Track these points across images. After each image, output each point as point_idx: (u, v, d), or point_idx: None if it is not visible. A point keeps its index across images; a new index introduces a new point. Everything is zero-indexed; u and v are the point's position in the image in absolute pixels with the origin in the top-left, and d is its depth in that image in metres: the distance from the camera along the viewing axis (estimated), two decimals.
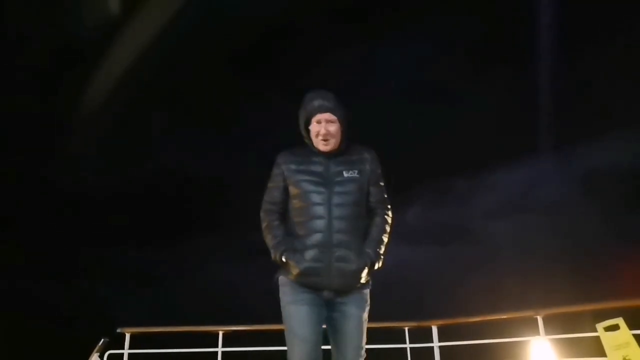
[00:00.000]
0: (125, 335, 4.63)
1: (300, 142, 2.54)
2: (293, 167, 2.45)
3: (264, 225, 2.47)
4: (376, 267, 2.39)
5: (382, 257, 2.41)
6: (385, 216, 2.50)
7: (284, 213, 2.47)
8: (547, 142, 14.00)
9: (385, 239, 2.45)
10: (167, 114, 16.39)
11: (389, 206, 2.54)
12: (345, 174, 2.40)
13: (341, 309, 2.33)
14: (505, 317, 4.38)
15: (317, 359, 2.25)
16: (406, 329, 5.00)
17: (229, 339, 4.78)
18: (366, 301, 2.39)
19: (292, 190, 2.43)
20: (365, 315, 2.38)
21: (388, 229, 2.49)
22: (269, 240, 2.42)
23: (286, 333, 2.30)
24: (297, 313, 2.29)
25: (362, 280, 2.34)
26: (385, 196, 2.54)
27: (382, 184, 2.54)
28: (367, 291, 2.42)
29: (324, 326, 2.36)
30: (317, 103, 2.42)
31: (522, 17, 12.92)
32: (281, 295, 2.38)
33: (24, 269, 16.16)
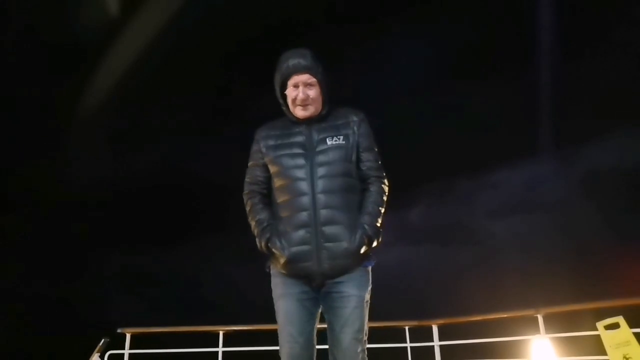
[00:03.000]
0: (125, 335, 4.63)
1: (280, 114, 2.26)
2: (271, 142, 2.20)
3: (247, 209, 2.26)
4: (374, 244, 2.13)
5: (380, 231, 2.15)
6: (382, 185, 2.22)
7: (267, 194, 2.24)
8: (549, 142, 14.00)
9: (382, 210, 2.18)
10: (171, 113, 16.40)
11: (384, 173, 2.25)
12: (328, 142, 2.13)
13: (338, 289, 2.08)
14: (505, 316, 4.37)
15: (310, 358, 2.09)
16: (407, 328, 4.99)
17: (230, 339, 4.78)
18: (367, 280, 2.14)
19: (272, 168, 2.19)
20: (367, 296, 2.12)
21: (385, 198, 2.21)
22: (253, 226, 2.20)
23: (278, 328, 2.14)
24: (285, 309, 2.10)
25: (358, 259, 2.09)
26: (380, 162, 2.25)
27: (375, 149, 2.25)
28: (368, 269, 2.16)
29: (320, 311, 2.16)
30: (292, 62, 2.12)
31: (522, 17, 12.92)
32: (272, 286, 2.19)
33: (24, 269, 16.18)
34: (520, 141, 14.33)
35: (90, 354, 4.17)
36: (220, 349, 4.68)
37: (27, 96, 13.98)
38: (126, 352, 4.57)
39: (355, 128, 2.19)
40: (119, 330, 4.63)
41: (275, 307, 2.16)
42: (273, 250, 2.12)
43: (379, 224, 2.15)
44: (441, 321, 4.83)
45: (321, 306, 2.15)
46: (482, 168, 15.13)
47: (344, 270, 2.08)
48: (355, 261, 2.10)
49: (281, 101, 2.21)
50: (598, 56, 13.01)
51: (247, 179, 2.30)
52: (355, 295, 2.07)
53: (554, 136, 13.84)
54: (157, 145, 17.06)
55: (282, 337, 2.11)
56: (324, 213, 2.07)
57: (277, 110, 2.26)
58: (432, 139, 15.21)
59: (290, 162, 2.13)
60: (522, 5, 12.71)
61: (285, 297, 2.12)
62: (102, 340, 4.28)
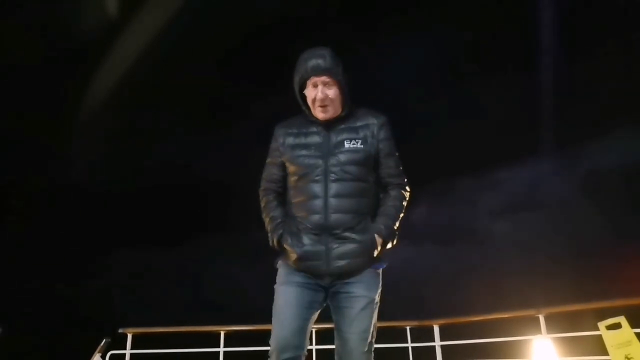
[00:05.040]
0: (127, 335, 4.63)
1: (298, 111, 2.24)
2: (290, 141, 2.19)
3: (262, 205, 2.28)
4: (389, 245, 2.14)
5: (396, 233, 2.15)
6: (403, 191, 2.22)
7: (283, 192, 2.25)
8: (550, 142, 13.99)
9: (400, 215, 2.18)
10: (171, 113, 16.39)
11: (405, 179, 2.25)
12: (346, 145, 2.12)
13: (347, 289, 2.07)
14: (507, 316, 4.37)
15: (298, 347, 2.02)
16: (408, 328, 5.00)
17: (231, 339, 4.78)
18: (377, 282, 2.13)
19: (289, 167, 2.19)
20: (376, 297, 2.10)
21: (404, 204, 2.21)
22: (267, 223, 2.22)
23: (273, 313, 2.10)
24: (285, 294, 2.09)
25: (368, 260, 2.09)
26: (401, 168, 2.24)
27: (396, 154, 2.23)
28: (379, 271, 2.15)
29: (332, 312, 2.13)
30: (311, 64, 2.10)
31: (524, 17, 12.90)
32: (276, 278, 2.17)
33: (25, 269, 16.20)
34: (522, 141, 14.33)
35: (91, 354, 4.17)
36: (222, 349, 4.68)
37: (27, 95, 13.99)
38: (127, 352, 4.57)
39: (375, 132, 2.17)
40: (120, 331, 4.63)
41: (275, 296, 2.13)
42: (285, 246, 2.13)
43: (395, 227, 2.15)
44: (442, 321, 4.82)
45: (329, 305, 2.14)
46: (484, 168, 15.13)
47: (353, 271, 2.08)
48: (365, 262, 2.09)
49: (300, 101, 2.19)
50: (600, 56, 12.99)
51: (264, 176, 2.31)
52: (363, 297, 2.06)
53: (555, 136, 13.84)
54: (159, 144, 17.07)
55: (275, 320, 2.07)
56: (335, 217, 2.06)
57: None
58: (433, 139, 15.21)
59: (306, 163, 2.13)
60: (525, 5, 12.69)
61: (287, 284, 2.11)
62: (104, 341, 4.28)
